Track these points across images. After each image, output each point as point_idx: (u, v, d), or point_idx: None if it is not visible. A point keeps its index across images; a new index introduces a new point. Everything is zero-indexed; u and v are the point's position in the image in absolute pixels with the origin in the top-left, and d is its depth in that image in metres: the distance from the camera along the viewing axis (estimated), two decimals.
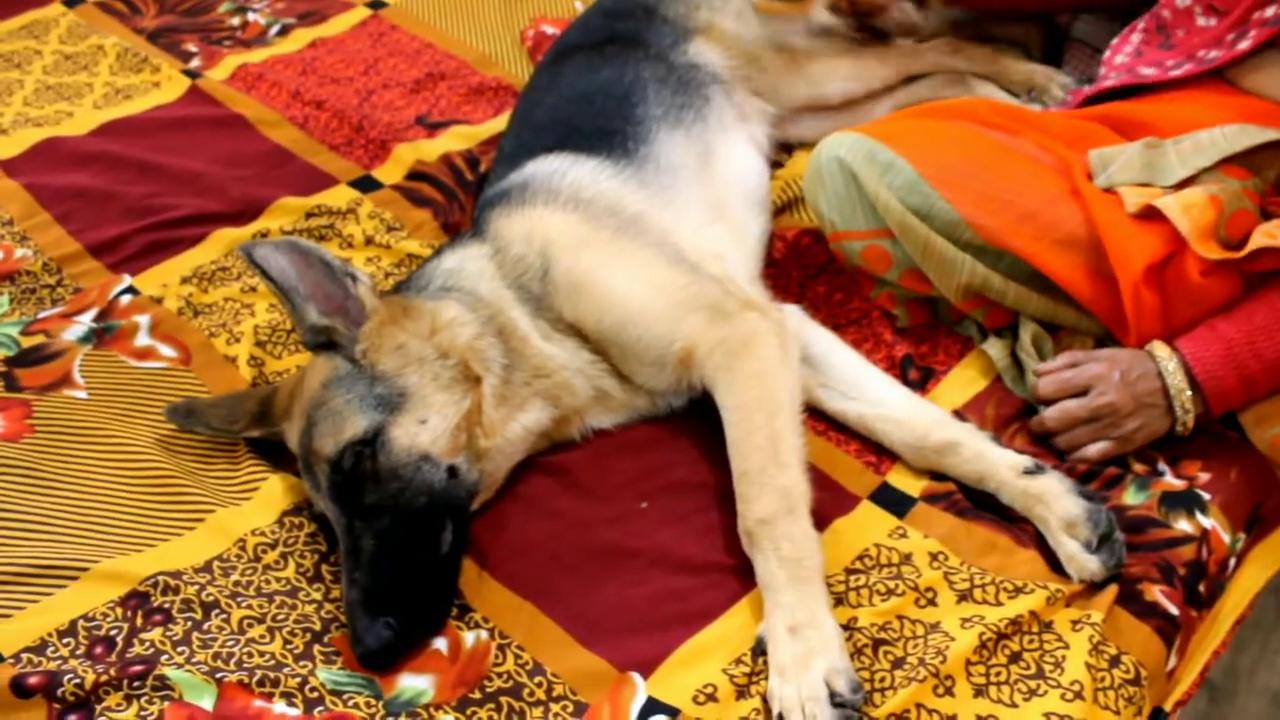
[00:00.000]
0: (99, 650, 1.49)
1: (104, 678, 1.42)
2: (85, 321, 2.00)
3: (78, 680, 1.42)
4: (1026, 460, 1.64)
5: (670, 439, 1.77)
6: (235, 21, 2.83)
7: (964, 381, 1.85)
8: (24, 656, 1.48)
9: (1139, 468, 1.70)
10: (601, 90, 2.10)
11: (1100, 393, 1.69)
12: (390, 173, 2.36)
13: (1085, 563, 1.54)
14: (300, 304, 1.64)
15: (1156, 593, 1.53)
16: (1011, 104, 2.23)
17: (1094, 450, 1.70)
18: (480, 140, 2.42)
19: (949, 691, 1.43)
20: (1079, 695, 1.41)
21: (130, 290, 2.07)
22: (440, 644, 1.51)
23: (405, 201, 2.27)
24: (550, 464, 1.74)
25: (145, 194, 2.28)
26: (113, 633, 1.52)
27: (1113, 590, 1.53)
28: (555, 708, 1.43)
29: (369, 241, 2.17)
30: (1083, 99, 2.06)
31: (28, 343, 1.96)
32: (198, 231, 2.19)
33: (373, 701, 1.45)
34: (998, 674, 1.45)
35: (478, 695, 1.45)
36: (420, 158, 2.37)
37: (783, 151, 2.39)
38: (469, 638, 1.52)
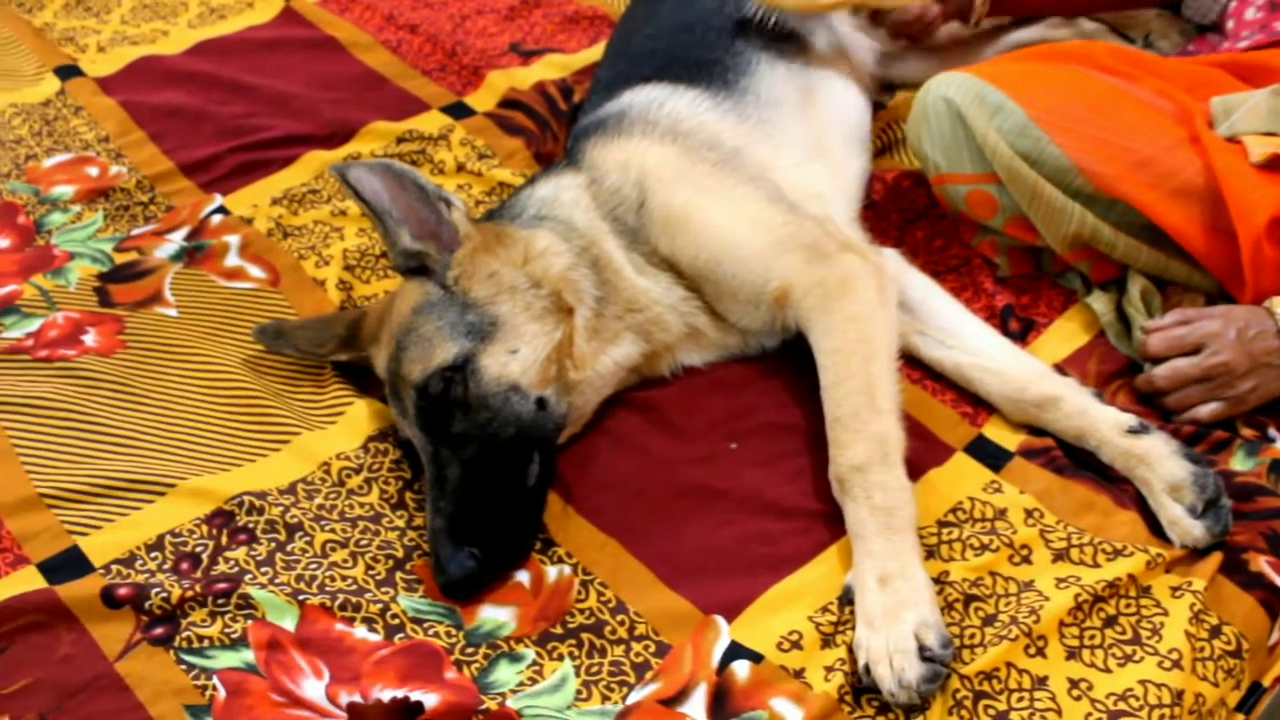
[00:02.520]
0: (185, 566, 1.51)
1: (190, 594, 1.44)
2: (176, 240, 2.01)
3: (165, 594, 1.43)
4: (1131, 419, 1.58)
5: (761, 379, 1.73)
6: None
7: (1066, 335, 1.80)
8: (114, 568, 1.50)
9: (1248, 432, 1.64)
10: (701, 20, 2.04)
11: (1214, 351, 1.63)
12: (483, 100, 2.33)
13: (1189, 528, 1.48)
14: (393, 227, 1.62)
15: (1262, 563, 1.47)
16: (1129, 48, 2.14)
17: (1205, 411, 1.64)
18: (574, 70, 2.39)
19: (1040, 652, 1.39)
20: (1177, 664, 1.36)
21: (221, 210, 2.07)
22: (523, 577, 1.50)
23: (497, 129, 2.25)
24: (639, 400, 1.72)
25: (238, 114, 2.28)
26: (198, 550, 1.53)
27: (1216, 558, 1.47)
28: (637, 647, 1.42)
29: (460, 168, 2.15)
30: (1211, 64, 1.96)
31: (121, 259, 1.98)
32: (289, 153, 2.20)
33: (453, 631, 1.44)
34: (1092, 637, 1.41)
35: (559, 630, 1.44)
36: (514, 85, 2.34)
37: (884, 91, 2.32)
38: (552, 572, 1.51)
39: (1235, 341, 1.62)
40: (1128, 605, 1.43)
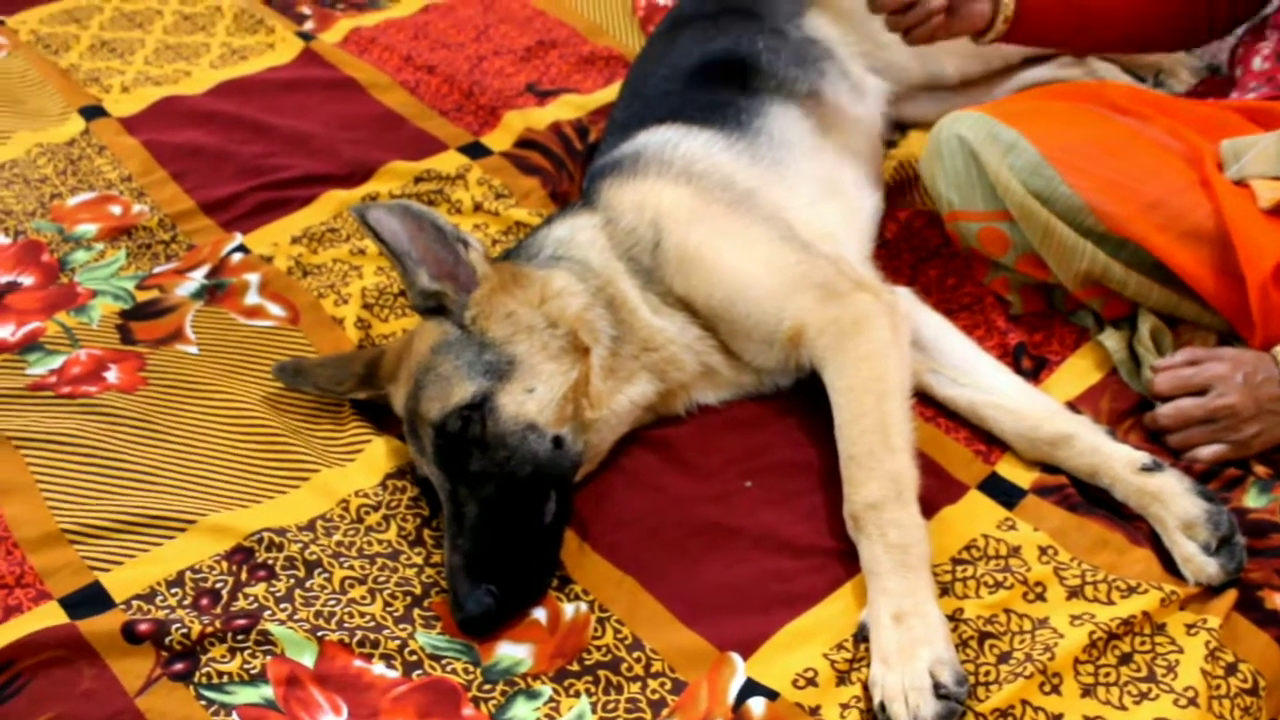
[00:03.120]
0: (205, 602, 1.52)
1: (210, 629, 1.45)
2: (197, 278, 2.03)
3: (185, 630, 1.45)
4: (1144, 456, 1.59)
5: (776, 418, 1.74)
6: None
7: (1079, 372, 1.80)
8: (134, 604, 1.51)
9: (1261, 470, 1.64)
10: (715, 62, 2.06)
11: (1220, 394, 1.63)
12: (500, 140, 2.36)
13: (1203, 565, 1.49)
14: (412, 267, 1.64)
15: (1278, 600, 1.48)
16: (1141, 88, 2.16)
17: (1207, 452, 1.64)
18: (590, 110, 2.41)
19: (1056, 690, 1.39)
20: (1193, 702, 1.36)
21: (241, 249, 2.10)
22: (540, 614, 1.51)
23: (514, 169, 2.27)
24: (655, 438, 1.73)
25: (258, 154, 2.31)
26: (218, 586, 1.54)
27: (1231, 595, 1.47)
28: (653, 684, 1.42)
29: (477, 208, 2.18)
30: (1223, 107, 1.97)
31: (143, 297, 2.00)
32: (308, 192, 2.22)
33: (471, 668, 1.45)
34: (1107, 675, 1.41)
35: (575, 667, 1.45)
36: (530, 125, 2.37)
37: (897, 130, 2.34)
38: (569, 609, 1.52)
39: (1242, 385, 1.62)
40: (1143, 643, 1.44)
